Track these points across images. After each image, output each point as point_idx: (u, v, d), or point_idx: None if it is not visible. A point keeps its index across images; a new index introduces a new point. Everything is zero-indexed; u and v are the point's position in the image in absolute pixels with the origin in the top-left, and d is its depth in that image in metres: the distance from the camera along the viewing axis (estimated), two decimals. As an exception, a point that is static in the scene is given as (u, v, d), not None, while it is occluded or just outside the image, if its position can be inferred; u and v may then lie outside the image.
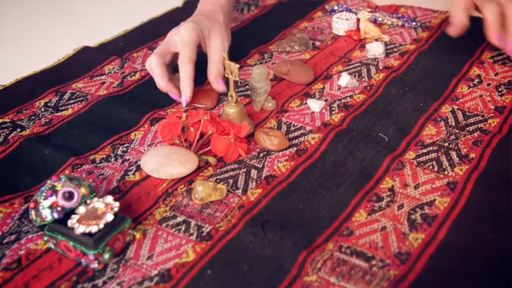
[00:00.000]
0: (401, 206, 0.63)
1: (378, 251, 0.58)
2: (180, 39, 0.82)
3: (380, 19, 1.05)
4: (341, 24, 1.01)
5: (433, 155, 0.71)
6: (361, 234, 0.60)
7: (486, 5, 0.83)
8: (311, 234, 0.60)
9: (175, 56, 0.85)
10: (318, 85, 0.87)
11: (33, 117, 0.83)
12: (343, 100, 0.83)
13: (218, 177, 0.69)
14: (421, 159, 0.70)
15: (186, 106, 0.83)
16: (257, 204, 0.65)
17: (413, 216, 0.62)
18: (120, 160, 0.73)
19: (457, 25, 0.88)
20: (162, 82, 0.82)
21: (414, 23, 1.03)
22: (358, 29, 1.02)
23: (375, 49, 0.93)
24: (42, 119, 0.82)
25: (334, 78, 0.89)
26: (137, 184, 0.69)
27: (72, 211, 0.59)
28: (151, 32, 1.07)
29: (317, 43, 0.99)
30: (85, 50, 1.01)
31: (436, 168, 0.68)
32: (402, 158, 0.70)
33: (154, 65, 0.82)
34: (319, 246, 0.59)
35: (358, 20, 1.02)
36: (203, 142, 0.73)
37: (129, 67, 0.95)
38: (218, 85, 0.85)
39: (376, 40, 0.99)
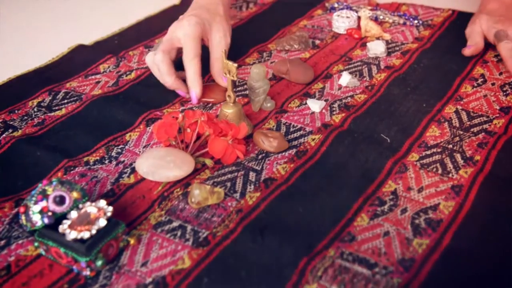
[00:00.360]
0: (404, 210, 0.61)
1: (381, 258, 0.56)
2: (183, 33, 0.80)
3: (381, 17, 1.03)
4: (341, 22, 0.99)
5: (437, 157, 0.69)
6: (363, 239, 0.58)
7: (501, 44, 0.85)
8: (311, 239, 0.58)
9: (179, 51, 0.83)
10: (318, 85, 0.85)
11: (25, 117, 0.81)
12: (344, 100, 0.81)
13: (215, 180, 0.67)
14: (424, 161, 0.68)
15: (197, 102, 0.81)
16: (255, 208, 0.62)
17: (417, 221, 0.60)
18: (114, 162, 0.71)
19: (475, 49, 0.89)
20: (169, 80, 0.81)
21: (416, 21, 1.01)
22: (358, 27, 1.00)
23: (376, 48, 0.92)
24: (35, 119, 0.80)
25: (334, 77, 0.87)
26: (132, 187, 0.67)
27: (63, 216, 0.57)
28: (148, 30, 1.04)
29: (317, 42, 0.97)
30: (80, 48, 0.99)
31: (440, 171, 0.66)
32: (405, 160, 0.68)
33: (160, 63, 0.80)
34: (320, 252, 0.56)
35: (359, 18, 1.00)
36: (200, 143, 0.70)
37: (124, 65, 0.93)
38: (222, 81, 0.83)
39: (377, 38, 0.97)
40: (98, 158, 0.72)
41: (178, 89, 0.82)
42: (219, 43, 0.83)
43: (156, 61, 0.80)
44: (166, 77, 0.81)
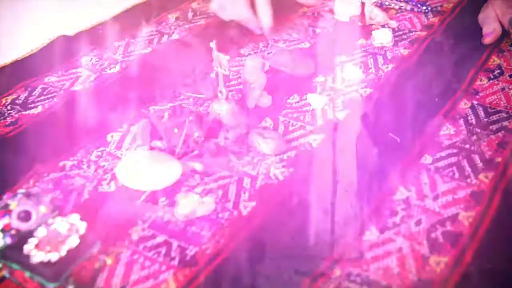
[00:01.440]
0: (419, 222, 0.54)
1: (394, 279, 0.49)
2: None
3: (386, 3, 0.96)
4: (344, 8, 0.92)
5: (453, 159, 0.62)
6: (373, 257, 0.51)
7: None
8: (314, 257, 0.51)
9: None
10: (319, 78, 0.78)
11: (-2, 117, 0.74)
12: (348, 95, 0.74)
13: (205, 187, 0.60)
14: (439, 164, 0.61)
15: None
16: (250, 221, 0.56)
17: (433, 235, 0.53)
18: (93, 167, 0.64)
19: (494, 35, 0.82)
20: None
21: (424, 8, 0.94)
22: (362, 14, 0.93)
23: (382, 37, 0.85)
24: (8, 118, 0.73)
25: (337, 69, 0.79)
26: (112, 197, 0.60)
27: (30, 234, 0.50)
28: (135, 19, 0.97)
29: (318, 30, 0.90)
30: (61, 39, 0.91)
31: (457, 175, 0.59)
32: (418, 163, 0.61)
33: None
34: (324, 273, 0.49)
35: (363, 4, 0.94)
36: (187, 146, 0.63)
37: (108, 58, 0.86)
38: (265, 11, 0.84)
39: (383, 26, 0.90)
40: (75, 162, 0.65)
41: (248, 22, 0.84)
42: None
43: None
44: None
